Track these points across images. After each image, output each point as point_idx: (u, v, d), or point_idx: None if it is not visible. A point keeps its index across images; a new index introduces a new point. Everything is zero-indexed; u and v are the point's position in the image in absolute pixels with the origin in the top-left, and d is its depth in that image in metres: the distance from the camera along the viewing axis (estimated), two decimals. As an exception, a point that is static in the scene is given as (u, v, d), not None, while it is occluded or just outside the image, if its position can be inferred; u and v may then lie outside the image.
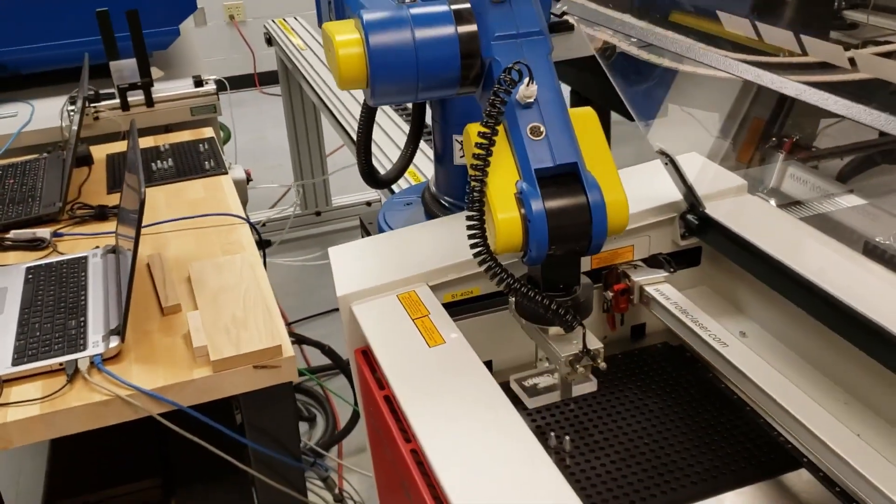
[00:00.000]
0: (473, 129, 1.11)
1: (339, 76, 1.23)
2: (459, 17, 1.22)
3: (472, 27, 1.21)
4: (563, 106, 1.13)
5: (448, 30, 1.21)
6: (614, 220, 1.09)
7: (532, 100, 1.11)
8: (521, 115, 1.10)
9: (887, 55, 0.93)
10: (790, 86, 1.01)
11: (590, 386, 1.24)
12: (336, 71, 1.24)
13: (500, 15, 1.18)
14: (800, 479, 1.20)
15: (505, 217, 1.07)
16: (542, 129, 1.10)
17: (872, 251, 1.31)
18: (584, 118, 1.15)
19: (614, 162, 1.13)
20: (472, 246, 1.10)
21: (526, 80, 1.09)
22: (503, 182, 1.09)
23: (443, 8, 1.23)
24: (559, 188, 1.08)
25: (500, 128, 1.11)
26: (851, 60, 0.87)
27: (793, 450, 1.23)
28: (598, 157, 1.12)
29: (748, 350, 1.25)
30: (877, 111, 0.84)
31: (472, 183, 1.08)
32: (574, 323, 1.15)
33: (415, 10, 1.23)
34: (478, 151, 1.08)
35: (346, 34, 1.22)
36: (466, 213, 1.09)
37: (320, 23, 1.82)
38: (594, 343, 1.19)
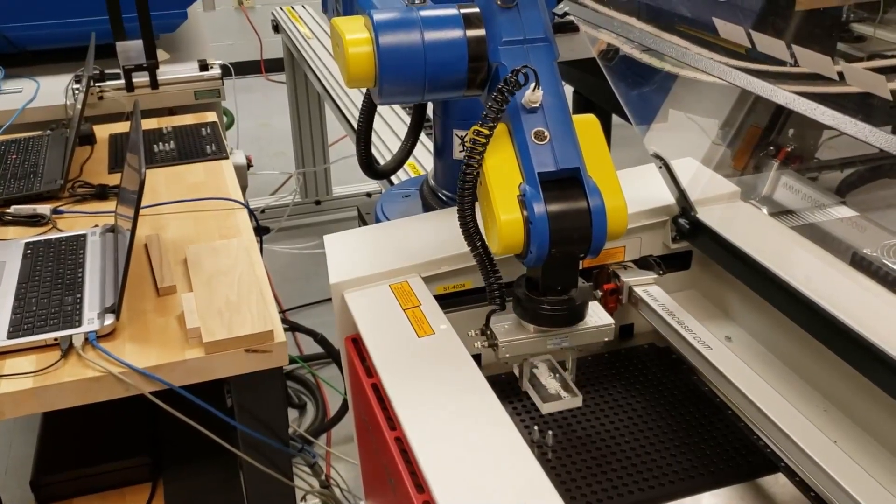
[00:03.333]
0: None
1: (348, 75, 1.25)
2: (468, 21, 1.23)
3: (481, 31, 1.22)
4: (567, 112, 1.15)
5: (457, 33, 1.23)
6: (614, 226, 1.11)
7: (537, 105, 1.12)
8: (525, 119, 1.12)
9: (879, 70, 0.94)
10: (781, 94, 1.02)
11: (556, 405, 1.21)
12: (345, 69, 1.25)
13: (508, 20, 1.20)
14: (776, 482, 1.22)
15: (508, 218, 1.09)
16: (547, 133, 1.11)
17: (860, 262, 1.32)
18: (587, 125, 1.17)
19: (615, 166, 1.15)
20: (460, 215, 1.13)
21: (532, 85, 1.11)
22: (506, 184, 1.10)
23: (452, 11, 1.24)
24: (561, 192, 1.09)
25: (505, 130, 1.13)
26: (840, 74, 0.89)
27: (771, 454, 1.24)
28: (599, 163, 1.13)
29: (732, 354, 1.27)
30: (862, 123, 0.85)
31: (471, 158, 1.10)
32: (494, 301, 1.18)
33: (424, 13, 1.25)
34: (476, 139, 1.09)
35: (356, 33, 1.24)
36: (458, 182, 1.11)
37: (324, 9, 1.83)
38: (504, 334, 1.20)
